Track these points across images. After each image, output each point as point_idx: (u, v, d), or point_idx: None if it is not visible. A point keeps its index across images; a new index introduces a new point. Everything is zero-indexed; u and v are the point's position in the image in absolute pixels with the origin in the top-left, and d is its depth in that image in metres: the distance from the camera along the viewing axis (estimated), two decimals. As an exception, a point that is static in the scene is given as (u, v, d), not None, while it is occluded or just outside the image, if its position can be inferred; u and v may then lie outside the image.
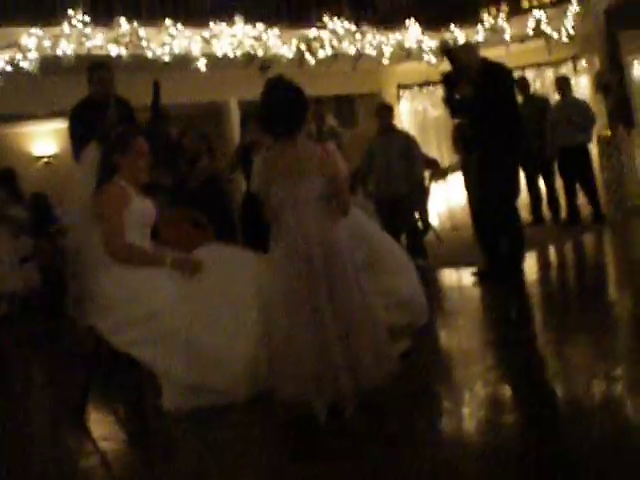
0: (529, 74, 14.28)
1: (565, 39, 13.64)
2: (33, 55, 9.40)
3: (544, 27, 13.53)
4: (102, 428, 5.16)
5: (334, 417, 4.37)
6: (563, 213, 11.53)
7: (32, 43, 9.41)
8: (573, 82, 12.46)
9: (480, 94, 7.59)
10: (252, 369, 4.70)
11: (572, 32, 13.55)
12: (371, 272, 4.84)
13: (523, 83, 11.92)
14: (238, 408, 4.75)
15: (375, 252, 5.18)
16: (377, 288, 4.82)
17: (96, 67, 7.10)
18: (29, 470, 4.72)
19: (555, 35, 13.59)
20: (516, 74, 13.72)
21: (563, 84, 11.52)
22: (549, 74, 14.64)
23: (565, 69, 14.65)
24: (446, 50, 8.40)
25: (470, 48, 8.21)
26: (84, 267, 5.16)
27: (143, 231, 5.16)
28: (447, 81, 7.99)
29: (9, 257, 9.66)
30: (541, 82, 14.82)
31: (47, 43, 9.54)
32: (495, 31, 13.98)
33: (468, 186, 9.16)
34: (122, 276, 4.93)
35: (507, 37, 13.88)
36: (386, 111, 10.07)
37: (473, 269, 8.23)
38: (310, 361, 4.32)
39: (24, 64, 9.36)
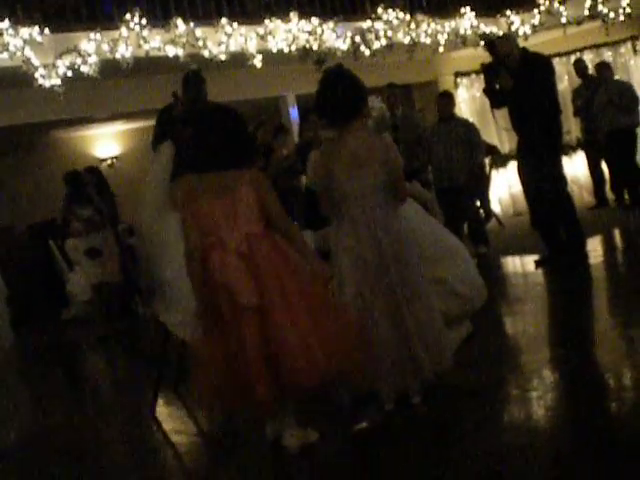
0: (587, 56, 14.09)
1: (622, 18, 13.41)
2: (93, 59, 9.54)
3: (600, 7, 13.31)
4: (173, 422, 5.27)
5: (401, 405, 4.41)
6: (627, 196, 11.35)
7: (91, 48, 9.54)
8: (632, 63, 12.23)
9: (520, 84, 7.62)
10: None
11: (629, 11, 13.30)
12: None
13: (580, 65, 11.79)
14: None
15: (418, 245, 5.10)
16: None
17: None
18: (104, 462, 4.85)
19: (612, 15, 13.37)
20: (573, 57, 13.64)
21: (603, 68, 11.39)
22: (608, 55, 14.42)
23: (624, 49, 14.47)
24: (486, 41, 8.37)
25: (510, 39, 8.20)
26: (153, 263, 5.26)
27: None
28: (487, 71, 7.99)
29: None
30: (600, 64, 14.61)
31: (106, 47, 9.67)
32: (551, 14, 13.81)
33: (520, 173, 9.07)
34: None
35: (563, 20, 13.70)
36: (447, 99, 10.01)
37: (536, 257, 8.16)
38: (385, 349, 4.33)
39: (84, 68, 9.50)
